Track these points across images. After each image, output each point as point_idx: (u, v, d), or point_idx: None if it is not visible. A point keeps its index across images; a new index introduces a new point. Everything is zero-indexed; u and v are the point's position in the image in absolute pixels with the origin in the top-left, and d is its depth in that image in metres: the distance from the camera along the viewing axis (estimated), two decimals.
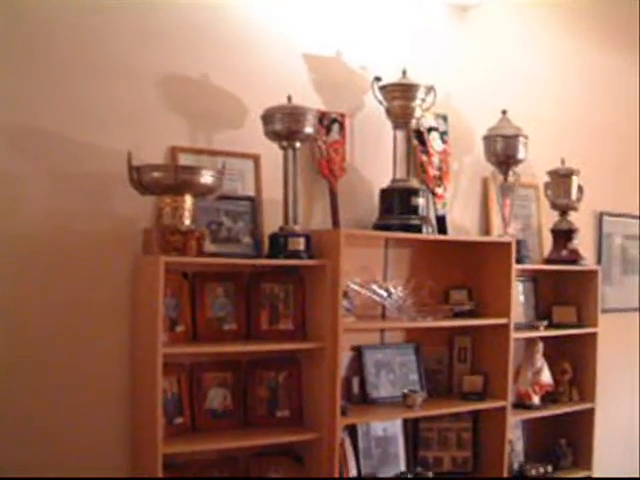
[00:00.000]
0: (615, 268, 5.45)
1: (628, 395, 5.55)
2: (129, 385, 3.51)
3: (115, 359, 3.49)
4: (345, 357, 3.97)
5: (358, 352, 4.06)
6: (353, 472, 3.97)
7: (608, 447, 5.16)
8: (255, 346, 3.65)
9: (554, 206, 4.79)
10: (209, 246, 3.57)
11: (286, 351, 3.78)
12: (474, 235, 4.59)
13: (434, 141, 4.34)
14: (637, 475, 5.63)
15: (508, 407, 4.26)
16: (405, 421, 4.26)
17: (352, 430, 4.03)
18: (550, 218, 4.84)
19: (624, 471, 5.52)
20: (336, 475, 3.65)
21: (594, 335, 4.75)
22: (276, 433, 3.65)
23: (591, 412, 4.77)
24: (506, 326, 4.21)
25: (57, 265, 3.35)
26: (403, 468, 4.18)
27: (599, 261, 5.26)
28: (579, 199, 4.80)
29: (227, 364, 3.70)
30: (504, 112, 4.44)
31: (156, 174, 3.32)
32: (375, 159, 4.17)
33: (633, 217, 5.55)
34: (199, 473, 3.63)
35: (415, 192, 3.96)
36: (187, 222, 3.36)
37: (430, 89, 4.10)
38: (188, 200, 3.37)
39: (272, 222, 3.73)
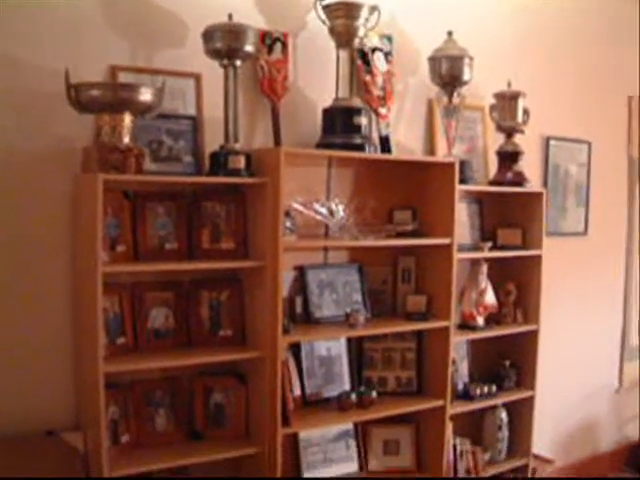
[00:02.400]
0: (560, 192, 5.57)
1: (571, 318, 5.73)
2: (71, 305, 3.58)
3: (56, 280, 3.55)
4: (288, 277, 4.07)
5: (301, 272, 4.15)
6: (297, 391, 4.10)
7: (551, 368, 5.35)
8: (197, 264, 3.72)
9: (500, 128, 4.87)
10: (150, 165, 3.63)
11: (228, 270, 3.87)
12: (418, 155, 4.66)
13: (378, 61, 4.39)
14: (578, 392, 5.83)
15: (451, 327, 4.38)
16: (349, 341, 4.38)
17: (296, 350, 4.15)
18: (496, 141, 4.93)
19: (566, 393, 5.74)
20: (278, 394, 3.76)
21: (539, 257, 4.88)
22: (219, 352, 3.75)
23: (535, 334, 4.93)
24: (449, 246, 4.31)
25: None
26: (347, 387, 4.31)
27: (545, 185, 5.38)
28: (525, 122, 4.88)
29: (169, 284, 3.78)
30: (450, 33, 4.48)
31: (94, 92, 3.34)
32: (318, 79, 4.21)
33: (579, 142, 5.67)
34: (142, 393, 3.73)
35: (358, 111, 4.02)
36: (126, 140, 3.39)
37: (374, 8, 4.14)
38: (127, 118, 3.41)
39: (214, 141, 3.78)
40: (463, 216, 4.72)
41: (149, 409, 3.76)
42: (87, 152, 3.44)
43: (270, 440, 3.79)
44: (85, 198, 3.39)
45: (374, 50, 4.38)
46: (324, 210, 3.98)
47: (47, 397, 3.55)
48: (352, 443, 4.39)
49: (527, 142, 5.00)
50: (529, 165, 5.07)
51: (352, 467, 4.39)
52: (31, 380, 3.51)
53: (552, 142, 5.46)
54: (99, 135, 3.42)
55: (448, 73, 4.43)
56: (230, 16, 3.72)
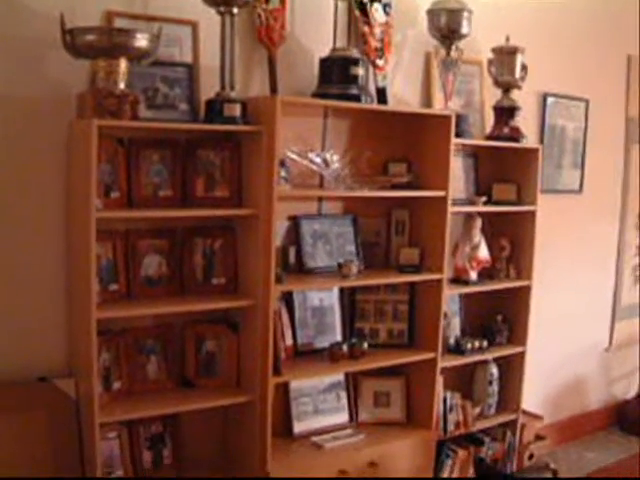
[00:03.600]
0: (556, 150, 5.58)
1: (564, 275, 5.78)
2: (64, 252, 3.60)
3: (49, 227, 3.56)
4: (282, 227, 4.10)
5: (295, 222, 4.17)
6: (289, 341, 4.13)
7: (543, 326, 5.40)
8: (190, 212, 3.74)
9: (497, 83, 4.86)
10: (145, 112, 3.63)
11: (222, 219, 3.88)
12: (415, 107, 4.66)
13: (376, 12, 4.37)
14: (568, 350, 5.88)
15: (444, 280, 4.42)
16: (342, 293, 4.42)
17: (288, 300, 4.19)
18: (493, 96, 4.93)
19: (557, 350, 5.79)
20: (270, 343, 3.79)
21: (533, 213, 4.90)
22: (211, 300, 3.78)
23: (527, 290, 4.97)
24: (443, 199, 4.33)
25: None
26: (339, 338, 4.34)
27: (541, 141, 5.39)
28: (523, 78, 4.88)
29: (162, 231, 3.80)
30: None
31: (89, 37, 3.32)
32: (316, 29, 4.19)
33: (577, 99, 5.67)
34: (134, 341, 3.76)
35: (355, 62, 4.01)
36: (121, 86, 3.39)
37: None
38: (122, 64, 3.39)
39: (210, 89, 3.76)
40: (458, 170, 4.74)
41: (141, 356, 3.80)
42: (82, 98, 3.43)
43: (261, 389, 3.82)
44: (79, 144, 3.39)
45: (373, 1, 4.36)
46: (319, 160, 3.99)
47: (40, 343, 3.58)
48: (343, 394, 4.44)
49: (524, 98, 5.02)
50: (526, 121, 5.08)
51: (342, 418, 4.45)
52: (24, 326, 3.54)
53: (549, 99, 5.46)
54: (94, 81, 3.42)
55: (446, 26, 4.41)
56: None
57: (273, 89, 3.96)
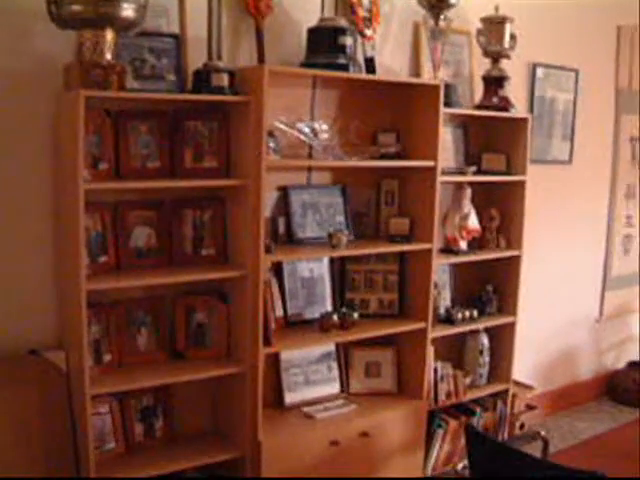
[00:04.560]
0: (546, 120, 5.59)
1: (554, 246, 5.81)
2: (53, 225, 3.59)
3: (38, 199, 3.56)
4: (271, 197, 4.10)
5: (284, 193, 4.18)
6: (279, 312, 4.15)
7: (533, 296, 5.43)
8: (179, 182, 3.74)
9: (486, 53, 4.86)
10: (132, 83, 3.62)
11: (210, 189, 3.89)
12: (403, 77, 4.65)
13: None
14: (559, 321, 5.91)
15: (434, 250, 4.43)
16: (332, 263, 4.44)
17: (278, 271, 4.20)
18: (482, 66, 4.93)
19: (547, 320, 5.83)
20: (260, 314, 3.80)
21: (522, 183, 4.92)
22: (201, 271, 3.78)
23: (517, 260, 4.99)
24: (433, 169, 4.34)
25: None
26: (329, 309, 4.36)
27: (530, 111, 5.39)
28: (512, 47, 4.87)
29: (151, 203, 3.80)
30: None
31: (75, 7, 3.29)
32: None
33: (567, 70, 5.66)
34: (124, 313, 3.77)
35: (343, 31, 4.00)
36: (108, 57, 3.37)
37: None
38: (109, 34, 3.37)
39: (197, 60, 3.75)
40: (448, 141, 4.75)
41: (131, 328, 3.81)
42: (68, 69, 3.42)
43: (251, 360, 3.84)
44: (67, 116, 3.38)
45: None
46: (308, 130, 3.99)
47: (30, 316, 3.58)
48: (334, 365, 4.46)
49: (513, 68, 5.01)
50: (515, 91, 5.08)
51: (333, 389, 4.47)
52: (14, 299, 3.54)
53: (539, 69, 5.46)
54: (81, 52, 3.39)
55: None
56: None
57: (261, 59, 3.94)
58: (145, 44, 3.69)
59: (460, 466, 3.43)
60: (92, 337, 3.57)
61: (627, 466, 5.06)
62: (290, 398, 4.29)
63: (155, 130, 3.73)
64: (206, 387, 4.02)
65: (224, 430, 4.08)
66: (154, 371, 3.74)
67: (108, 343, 3.69)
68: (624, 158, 6.34)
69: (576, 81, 5.74)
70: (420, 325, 4.47)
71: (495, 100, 4.79)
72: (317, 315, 4.25)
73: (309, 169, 4.30)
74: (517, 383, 5.30)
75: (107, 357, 3.68)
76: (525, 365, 5.60)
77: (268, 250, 3.80)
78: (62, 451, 3.51)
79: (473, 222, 4.76)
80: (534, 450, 3.63)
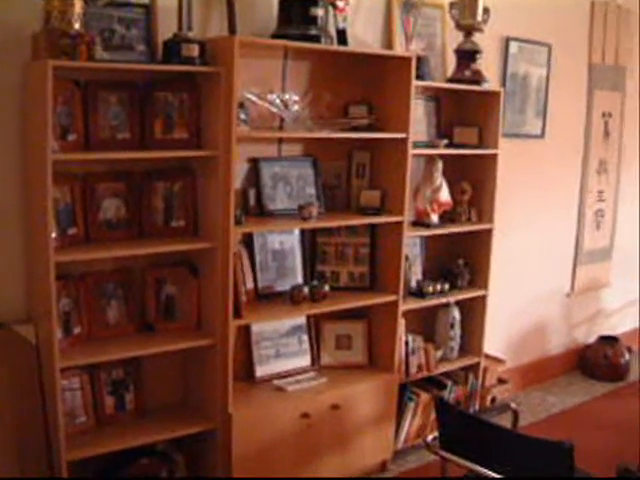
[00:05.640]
0: (519, 94, 5.59)
1: (526, 220, 5.85)
2: (21, 197, 3.58)
3: (5, 170, 3.54)
4: (242, 169, 4.10)
5: (255, 164, 4.17)
6: (250, 284, 4.15)
7: (505, 270, 5.46)
8: (148, 153, 3.73)
9: (459, 27, 4.86)
10: (102, 53, 3.59)
11: (180, 161, 3.88)
12: (375, 48, 4.64)
13: None
14: (530, 295, 5.97)
15: (405, 222, 4.45)
16: (302, 235, 4.45)
17: (249, 243, 4.21)
18: (455, 40, 4.93)
19: (519, 295, 5.88)
20: (230, 285, 3.81)
21: (494, 157, 4.94)
22: (171, 242, 3.79)
23: (489, 233, 5.02)
24: (404, 141, 4.34)
25: None
26: (300, 281, 4.38)
27: (503, 85, 5.39)
28: (485, 21, 4.87)
29: (121, 174, 3.79)
30: None
31: None
32: None
33: (540, 44, 5.67)
34: (94, 285, 3.76)
35: (314, 2, 3.98)
36: (76, 26, 3.34)
37: None
38: (77, 3, 3.34)
39: (168, 30, 3.73)
40: (420, 113, 4.76)
41: (101, 301, 3.81)
42: (36, 38, 3.39)
43: (222, 332, 3.86)
44: (35, 86, 3.36)
45: None
46: (279, 102, 3.99)
47: None
48: (304, 338, 4.49)
49: (486, 42, 5.02)
50: (488, 65, 5.08)
51: (304, 361, 4.50)
52: None
53: (512, 43, 5.46)
54: (48, 21, 3.36)
55: None
56: None
57: (232, 30, 3.93)
58: (114, 14, 3.66)
59: (430, 437, 3.45)
60: (61, 309, 3.57)
61: (596, 438, 5.12)
62: (261, 371, 4.31)
63: (125, 101, 3.71)
64: (177, 360, 4.04)
65: (195, 403, 4.09)
66: (124, 343, 3.75)
67: (78, 315, 3.69)
68: (596, 134, 6.37)
69: (549, 56, 5.74)
70: (391, 298, 4.49)
71: (467, 73, 4.79)
72: (288, 287, 4.27)
73: (280, 141, 4.30)
74: (488, 357, 5.34)
75: (77, 329, 3.68)
76: (497, 339, 5.64)
77: (238, 222, 3.80)
78: (32, 425, 3.52)
79: (445, 195, 4.77)
80: (505, 423, 3.67)
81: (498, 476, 3.12)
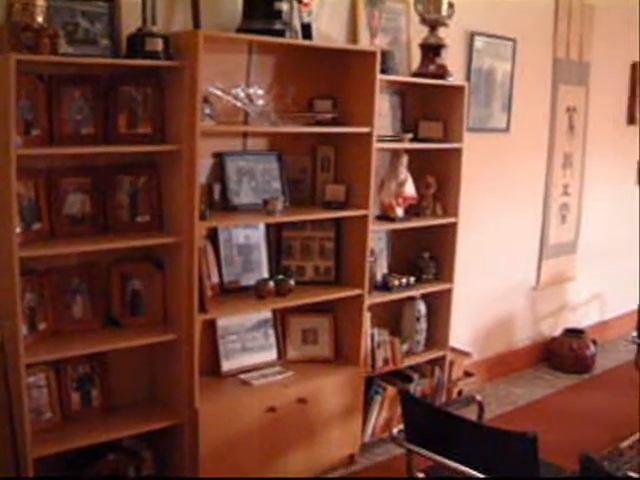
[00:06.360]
0: (484, 88, 5.64)
1: (492, 214, 5.91)
2: None
3: None
4: (206, 164, 4.12)
5: (220, 159, 4.19)
6: (215, 279, 4.17)
7: (471, 264, 5.51)
8: (112, 148, 3.74)
9: (424, 21, 4.89)
10: (65, 47, 3.58)
11: (145, 155, 3.88)
12: (340, 43, 4.66)
13: None
14: (496, 288, 6.03)
15: (370, 216, 4.48)
16: (268, 230, 4.47)
17: (214, 238, 4.23)
18: (420, 34, 4.95)
19: (485, 288, 5.93)
20: (195, 280, 3.83)
21: (459, 151, 4.99)
22: (136, 237, 3.80)
23: (454, 226, 5.07)
24: (369, 135, 4.38)
25: None
26: (266, 276, 4.40)
27: (468, 79, 5.43)
28: (450, 16, 4.91)
29: (86, 169, 3.79)
30: None
31: None
32: None
33: (504, 39, 5.72)
34: (59, 280, 3.76)
35: None
36: (39, 20, 3.34)
37: None
38: None
39: (131, 24, 3.73)
40: (385, 108, 4.79)
41: (66, 296, 3.81)
42: None
43: (187, 327, 3.87)
44: None
45: None
46: (244, 96, 4.01)
47: None
48: (271, 332, 4.51)
49: (451, 37, 5.06)
50: (453, 60, 5.13)
51: (271, 356, 4.52)
52: None
53: (477, 38, 5.50)
54: (10, 14, 3.36)
55: None
56: None
57: (196, 24, 3.94)
58: (78, 8, 3.65)
59: (396, 430, 3.49)
60: (26, 305, 3.56)
61: (562, 429, 5.19)
62: (227, 365, 4.33)
63: (89, 95, 3.71)
64: (143, 355, 4.05)
65: (161, 398, 4.11)
66: (90, 339, 3.75)
67: (43, 311, 3.69)
68: (561, 128, 6.43)
69: (514, 51, 5.79)
70: (356, 292, 4.53)
71: (432, 68, 4.83)
72: (253, 282, 4.29)
73: (245, 135, 4.31)
74: (455, 350, 5.39)
75: (42, 325, 3.68)
76: (463, 332, 5.69)
77: (203, 216, 3.82)
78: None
79: (410, 189, 4.81)
80: (471, 415, 3.71)
81: (462, 468, 3.15)
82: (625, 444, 4.84)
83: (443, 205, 5.08)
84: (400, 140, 4.73)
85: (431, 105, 5.07)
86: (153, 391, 4.16)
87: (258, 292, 4.21)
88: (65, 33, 3.59)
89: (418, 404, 3.51)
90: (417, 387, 5.02)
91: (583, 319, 7.06)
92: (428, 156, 5.03)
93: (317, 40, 4.36)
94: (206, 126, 3.79)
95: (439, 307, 5.17)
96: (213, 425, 3.98)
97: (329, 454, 4.55)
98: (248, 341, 4.41)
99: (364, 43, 4.65)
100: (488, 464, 3.10)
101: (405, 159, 4.78)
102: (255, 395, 4.19)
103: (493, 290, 6.09)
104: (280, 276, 4.34)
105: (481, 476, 3.07)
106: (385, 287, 4.81)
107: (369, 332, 4.70)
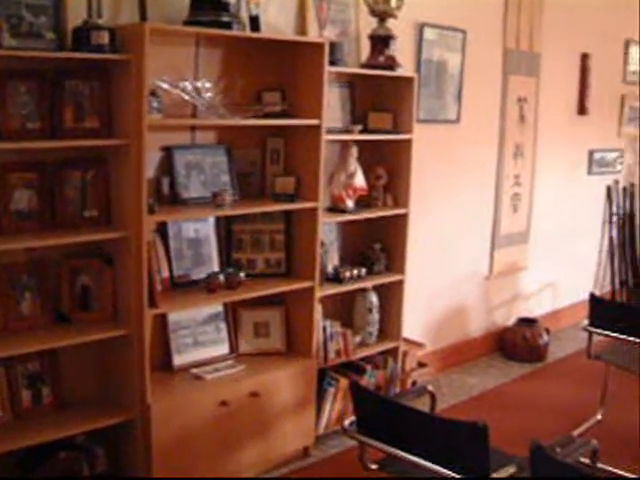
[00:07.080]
0: (434, 80, 5.69)
1: (443, 205, 5.98)
2: None
3: None
4: (154, 157, 4.12)
5: (168, 153, 4.19)
6: (165, 273, 4.18)
7: (422, 255, 5.57)
8: (59, 142, 3.72)
9: (373, 12, 4.92)
10: (9, 41, 3.55)
11: (92, 150, 3.87)
12: (288, 35, 4.68)
13: None
14: (449, 279, 6.08)
15: (319, 208, 4.52)
16: (218, 223, 4.49)
17: (163, 232, 4.23)
18: (369, 25, 4.98)
19: (437, 279, 5.99)
20: (145, 275, 3.83)
21: (409, 142, 5.03)
22: (84, 232, 3.79)
23: (405, 218, 5.12)
24: (318, 127, 4.41)
25: None
26: (216, 269, 4.41)
27: (417, 71, 5.47)
28: (399, 7, 4.94)
29: (32, 164, 3.77)
30: None
31: None
32: None
33: (454, 30, 5.77)
34: (6, 277, 3.75)
35: None
36: None
37: None
38: None
39: (77, 18, 3.71)
40: (334, 100, 4.82)
41: (14, 293, 3.79)
42: None
43: (137, 322, 3.88)
44: None
45: None
46: (191, 89, 4.02)
47: None
48: (222, 326, 4.53)
49: (401, 28, 5.10)
50: (402, 51, 5.17)
51: (223, 350, 4.54)
52: None
53: (426, 29, 5.54)
54: None
55: None
56: None
57: (143, 16, 3.93)
58: (22, 1, 3.61)
59: (347, 422, 3.51)
60: None
61: (515, 418, 5.27)
62: (179, 360, 4.35)
63: (34, 90, 3.68)
64: (94, 351, 4.04)
65: (113, 394, 4.11)
66: (39, 336, 3.74)
67: None
68: (512, 118, 6.50)
69: (464, 42, 5.85)
70: (307, 284, 4.56)
71: (381, 59, 4.86)
72: (204, 276, 4.30)
73: (193, 129, 4.32)
74: (408, 341, 5.45)
75: None
76: (416, 323, 5.76)
77: (151, 211, 3.82)
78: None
79: (360, 180, 4.85)
80: (425, 406, 3.76)
81: (414, 458, 3.20)
82: (577, 431, 4.92)
83: (394, 196, 5.12)
84: (350, 132, 4.76)
85: (381, 96, 5.11)
86: (105, 387, 4.15)
87: (209, 286, 4.22)
88: (9, 26, 3.56)
89: (368, 396, 3.54)
90: (371, 379, 5.07)
91: (536, 308, 7.16)
92: (378, 147, 5.08)
93: (265, 32, 4.38)
94: (154, 120, 3.79)
95: (391, 298, 5.22)
96: (165, 420, 3.99)
97: (283, 447, 4.58)
98: (200, 335, 4.42)
99: (313, 35, 4.68)
100: (440, 454, 3.15)
101: (355, 150, 4.81)
102: (207, 389, 4.21)
103: (446, 280, 6.15)
104: (230, 269, 4.36)
105: (433, 466, 3.12)
106: (336, 279, 4.85)
107: (321, 324, 4.74)
